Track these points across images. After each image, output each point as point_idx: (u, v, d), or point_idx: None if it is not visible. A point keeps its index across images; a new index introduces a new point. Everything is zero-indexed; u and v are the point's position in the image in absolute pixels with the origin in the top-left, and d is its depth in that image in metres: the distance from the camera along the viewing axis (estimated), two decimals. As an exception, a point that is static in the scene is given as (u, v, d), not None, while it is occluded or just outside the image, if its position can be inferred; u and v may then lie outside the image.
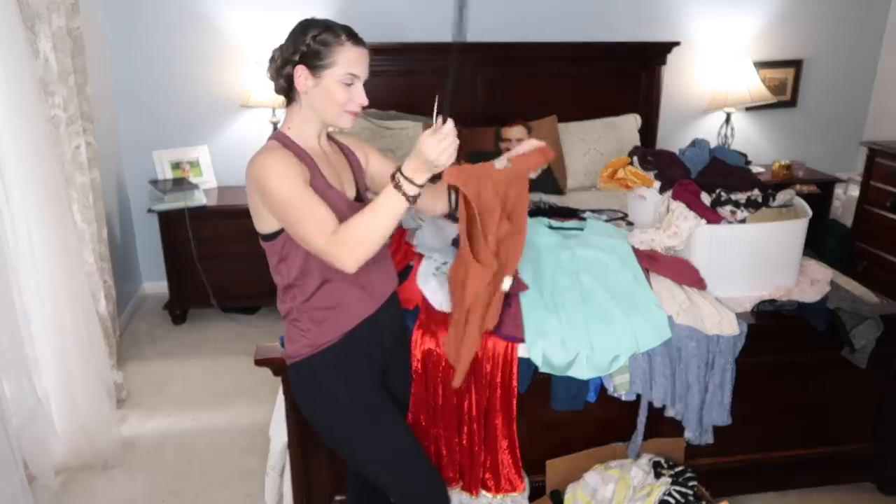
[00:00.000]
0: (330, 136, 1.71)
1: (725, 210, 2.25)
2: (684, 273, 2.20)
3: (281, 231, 1.53)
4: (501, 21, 3.77)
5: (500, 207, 1.64)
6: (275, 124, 3.66)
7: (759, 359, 2.13)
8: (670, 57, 3.88)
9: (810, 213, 2.29)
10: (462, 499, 2.07)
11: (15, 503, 2.09)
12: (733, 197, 2.26)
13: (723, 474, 2.25)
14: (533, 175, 1.68)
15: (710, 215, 2.23)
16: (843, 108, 4.32)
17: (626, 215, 2.75)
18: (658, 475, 2.03)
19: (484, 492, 2.06)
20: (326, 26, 1.52)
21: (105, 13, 3.54)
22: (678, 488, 1.97)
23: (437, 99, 1.40)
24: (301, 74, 1.51)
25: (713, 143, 2.88)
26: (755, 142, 4.25)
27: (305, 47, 1.51)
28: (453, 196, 1.64)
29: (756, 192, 2.28)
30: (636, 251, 2.30)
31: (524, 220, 1.71)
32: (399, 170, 1.41)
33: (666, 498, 1.95)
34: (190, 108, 3.77)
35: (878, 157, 3.67)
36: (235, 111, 3.78)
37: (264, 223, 1.54)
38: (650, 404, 2.07)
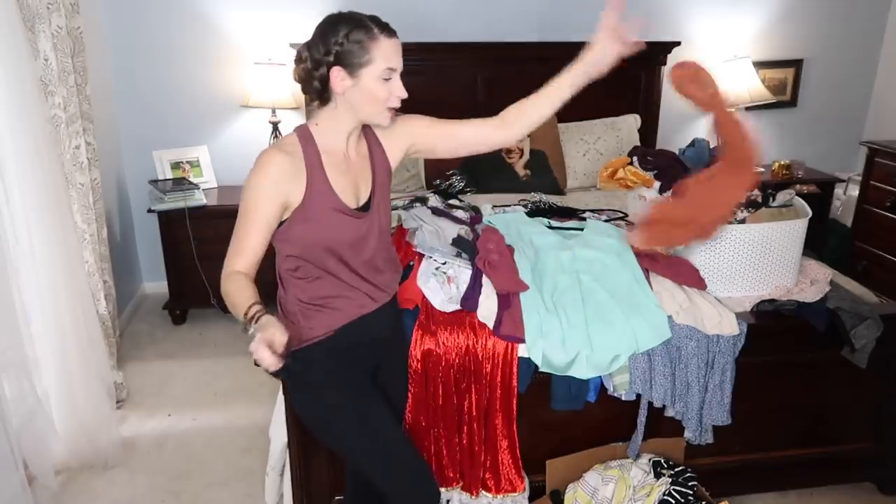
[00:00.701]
0: (371, 141, 1.66)
1: (725, 210, 2.25)
2: (684, 273, 2.20)
3: (277, 227, 1.52)
4: (501, 21, 3.77)
5: None
6: (275, 124, 3.66)
7: (759, 359, 2.13)
8: (670, 57, 3.88)
9: (810, 213, 2.30)
10: (462, 499, 2.07)
11: (15, 503, 2.09)
12: (733, 197, 2.26)
13: (723, 474, 2.25)
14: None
15: (710, 215, 2.22)
16: (843, 108, 4.32)
17: (626, 215, 2.75)
18: (658, 475, 2.03)
19: (484, 492, 2.06)
20: (357, 21, 1.46)
21: (105, 13, 3.54)
22: (678, 488, 1.97)
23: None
24: (338, 76, 1.47)
25: (713, 143, 2.88)
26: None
27: (339, 47, 1.45)
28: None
29: (756, 192, 2.28)
30: (636, 251, 2.30)
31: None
32: (255, 315, 1.40)
33: (666, 498, 1.95)
34: (190, 108, 3.77)
35: (878, 157, 3.67)
36: (235, 111, 3.78)
37: None
38: (650, 404, 2.07)
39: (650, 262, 2.25)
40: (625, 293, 2.12)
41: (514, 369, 1.98)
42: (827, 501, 2.39)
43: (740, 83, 3.85)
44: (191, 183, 3.57)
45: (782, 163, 3.98)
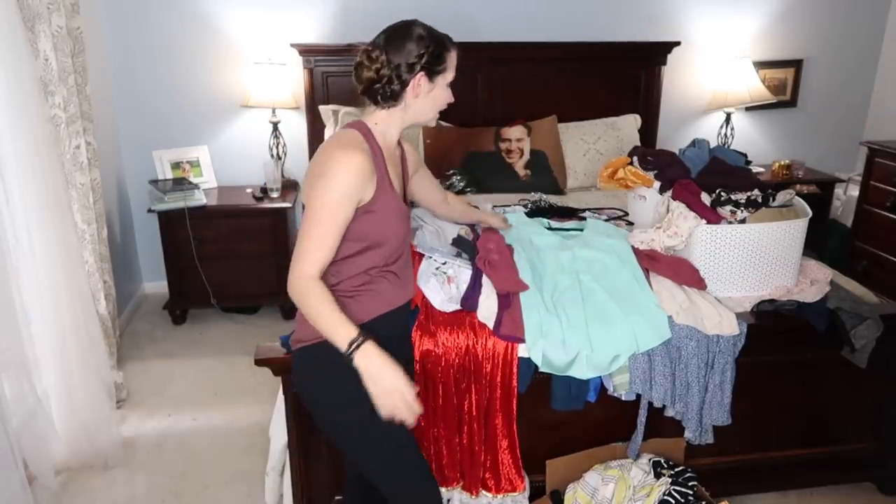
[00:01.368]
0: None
1: (725, 210, 2.25)
2: (684, 273, 2.20)
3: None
4: (501, 21, 3.77)
5: None
6: (275, 124, 3.66)
7: (759, 359, 2.13)
8: (670, 57, 3.88)
9: (810, 213, 2.29)
10: (462, 498, 2.07)
11: (15, 503, 2.09)
12: (733, 197, 2.27)
13: (723, 474, 2.25)
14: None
15: (710, 215, 2.23)
16: (843, 108, 4.32)
17: (626, 214, 2.75)
18: (658, 475, 2.03)
19: (484, 492, 2.06)
20: (432, 32, 1.58)
21: (105, 13, 3.54)
22: (678, 488, 1.97)
23: None
24: (421, 82, 1.55)
25: (713, 143, 2.88)
26: (755, 142, 4.25)
27: (429, 55, 1.54)
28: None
29: (756, 192, 2.28)
30: (636, 251, 2.30)
31: None
32: (358, 344, 1.43)
33: (666, 498, 1.95)
34: (190, 108, 3.77)
35: (878, 157, 3.67)
36: (235, 111, 3.77)
37: None
38: (650, 404, 2.07)
39: (650, 262, 2.25)
40: (625, 293, 2.12)
41: (514, 369, 1.98)
42: (827, 501, 2.39)
43: (740, 83, 3.85)
44: (191, 183, 3.57)
45: (782, 163, 3.99)
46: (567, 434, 2.14)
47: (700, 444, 2.14)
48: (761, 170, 3.95)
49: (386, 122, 1.60)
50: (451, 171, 3.37)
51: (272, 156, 3.70)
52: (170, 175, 3.67)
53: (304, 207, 1.58)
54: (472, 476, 2.04)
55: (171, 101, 3.74)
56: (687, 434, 2.13)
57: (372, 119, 1.60)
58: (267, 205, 3.49)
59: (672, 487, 1.97)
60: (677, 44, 3.85)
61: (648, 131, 3.94)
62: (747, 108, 4.11)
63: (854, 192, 3.99)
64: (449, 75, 1.60)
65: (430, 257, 2.19)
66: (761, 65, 4.02)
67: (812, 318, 2.11)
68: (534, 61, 3.79)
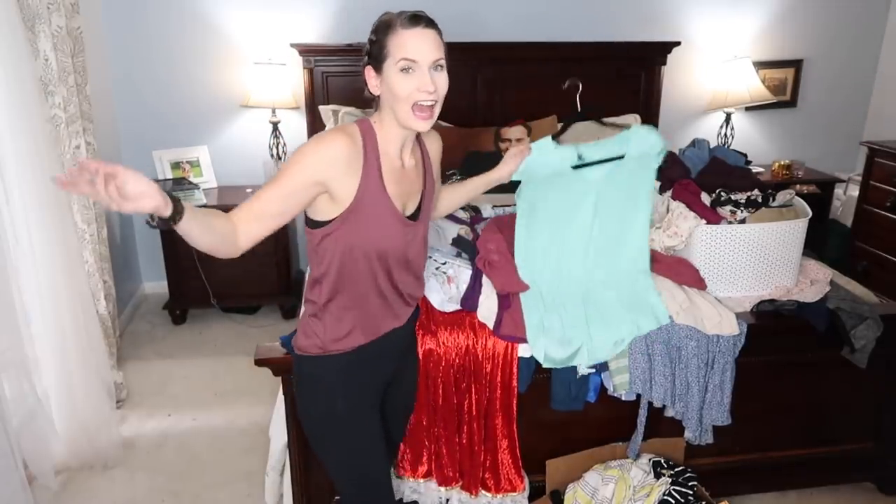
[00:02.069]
0: (423, 149, 1.64)
1: (725, 210, 2.25)
2: (684, 273, 2.20)
3: (324, 223, 1.46)
4: (501, 21, 3.77)
5: None
6: (275, 124, 3.66)
7: (759, 359, 2.13)
8: (670, 57, 3.88)
9: (810, 213, 2.29)
10: (462, 498, 2.07)
11: (15, 503, 2.09)
12: (733, 197, 2.27)
13: (723, 474, 2.25)
14: None
15: (710, 215, 2.23)
16: (843, 108, 4.32)
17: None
18: (658, 475, 2.03)
19: (484, 491, 2.06)
20: (386, 17, 1.43)
21: (105, 13, 3.54)
22: (678, 488, 1.97)
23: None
24: (370, 75, 1.45)
25: (713, 143, 2.88)
26: (755, 142, 4.25)
27: (369, 44, 1.44)
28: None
29: (756, 192, 2.28)
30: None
31: None
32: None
33: (666, 498, 1.95)
34: (190, 108, 3.77)
35: (878, 157, 3.67)
36: (235, 111, 3.78)
37: (312, 208, 1.46)
38: (650, 404, 2.07)
39: (650, 262, 2.24)
40: (624, 283, 2.12)
41: (514, 369, 1.98)
42: (827, 501, 2.39)
43: (740, 83, 3.85)
44: (191, 183, 3.57)
45: (782, 163, 3.99)
46: (567, 434, 2.14)
47: (700, 444, 2.14)
48: (761, 170, 3.95)
49: (386, 124, 1.49)
50: (451, 171, 3.37)
51: (272, 156, 3.70)
52: (170, 175, 3.67)
53: (305, 219, 1.54)
54: (471, 476, 2.04)
55: (170, 101, 3.74)
56: (687, 434, 2.13)
57: (378, 120, 1.53)
58: (267, 205, 3.49)
59: (672, 487, 1.97)
60: (677, 44, 3.85)
61: (648, 131, 3.94)
62: (747, 108, 4.11)
63: (854, 192, 3.99)
64: (392, 60, 1.39)
65: (430, 257, 2.20)
66: (761, 65, 4.02)
67: (812, 318, 2.11)
68: (534, 61, 3.79)
